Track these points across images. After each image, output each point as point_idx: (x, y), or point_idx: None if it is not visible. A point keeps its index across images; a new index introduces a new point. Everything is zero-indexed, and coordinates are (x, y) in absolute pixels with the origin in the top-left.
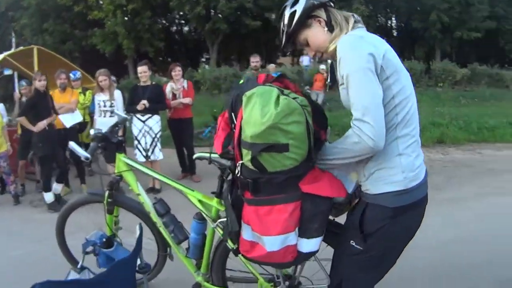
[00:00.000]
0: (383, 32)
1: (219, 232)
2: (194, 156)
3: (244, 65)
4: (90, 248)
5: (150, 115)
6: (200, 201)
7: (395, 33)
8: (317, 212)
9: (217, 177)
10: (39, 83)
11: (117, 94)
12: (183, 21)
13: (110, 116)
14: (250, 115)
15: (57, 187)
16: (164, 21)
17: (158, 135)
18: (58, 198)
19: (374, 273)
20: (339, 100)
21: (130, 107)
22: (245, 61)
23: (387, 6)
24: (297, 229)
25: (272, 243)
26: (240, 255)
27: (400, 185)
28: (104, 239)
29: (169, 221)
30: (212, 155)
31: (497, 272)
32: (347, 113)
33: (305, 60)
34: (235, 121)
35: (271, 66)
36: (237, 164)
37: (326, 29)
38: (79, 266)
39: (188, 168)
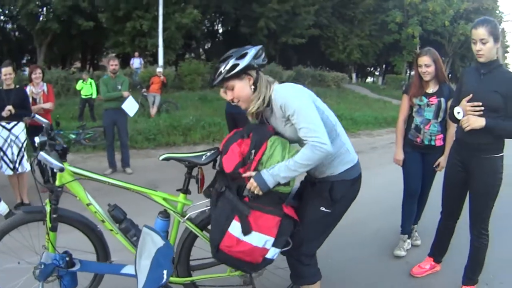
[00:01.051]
0: (209, 35)
1: (189, 226)
2: (162, 157)
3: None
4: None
5: (15, 122)
6: (165, 199)
7: (221, 37)
8: (289, 230)
9: (184, 174)
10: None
11: None
12: (7, 18)
13: None
14: (273, 154)
15: None
16: None
17: (24, 144)
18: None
19: (329, 231)
20: (174, 102)
21: None
22: (69, 63)
23: (215, 11)
24: (275, 237)
25: (258, 240)
26: None
27: (351, 162)
28: (66, 259)
29: (129, 225)
30: (181, 155)
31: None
32: (186, 114)
33: (135, 63)
34: (252, 156)
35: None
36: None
37: (252, 86)
38: None
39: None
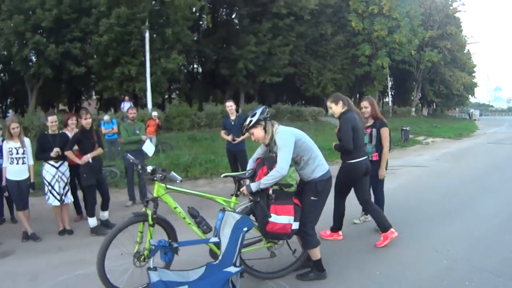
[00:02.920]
0: (190, 76)
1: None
2: (224, 175)
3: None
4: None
5: (61, 161)
6: (224, 200)
7: (200, 79)
8: (299, 210)
9: (234, 182)
10: (85, 121)
11: (27, 141)
12: None
13: (23, 163)
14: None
15: (103, 214)
16: None
17: (69, 180)
18: (106, 223)
19: (319, 213)
20: (169, 142)
21: (41, 154)
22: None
23: (196, 55)
24: (293, 216)
25: (285, 220)
26: None
27: (325, 169)
28: (168, 242)
29: (201, 219)
30: (233, 174)
31: None
32: (181, 153)
33: (125, 107)
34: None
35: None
36: (270, 191)
37: (263, 130)
38: (151, 266)
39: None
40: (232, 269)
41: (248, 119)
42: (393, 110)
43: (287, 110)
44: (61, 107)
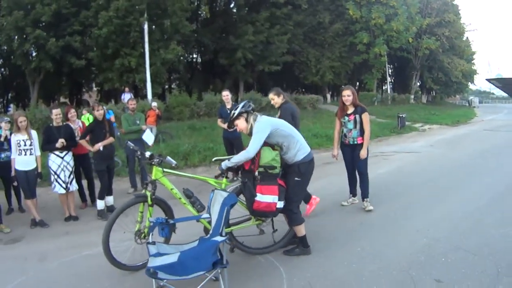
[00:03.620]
0: (189, 67)
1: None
2: (214, 159)
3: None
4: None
5: (66, 151)
6: (216, 182)
7: (200, 68)
8: (283, 191)
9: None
10: (97, 113)
11: (34, 133)
12: None
13: (31, 155)
14: (264, 154)
15: (108, 199)
16: None
17: (73, 169)
18: (111, 208)
19: (303, 193)
20: (169, 132)
21: (47, 145)
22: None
23: (195, 45)
24: (278, 196)
25: (270, 198)
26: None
27: (306, 152)
28: (165, 219)
29: (195, 199)
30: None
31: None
32: (181, 142)
33: (126, 98)
34: (256, 158)
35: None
36: (256, 172)
37: (246, 121)
38: (150, 241)
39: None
40: (219, 238)
41: (232, 112)
42: (392, 98)
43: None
44: (62, 100)
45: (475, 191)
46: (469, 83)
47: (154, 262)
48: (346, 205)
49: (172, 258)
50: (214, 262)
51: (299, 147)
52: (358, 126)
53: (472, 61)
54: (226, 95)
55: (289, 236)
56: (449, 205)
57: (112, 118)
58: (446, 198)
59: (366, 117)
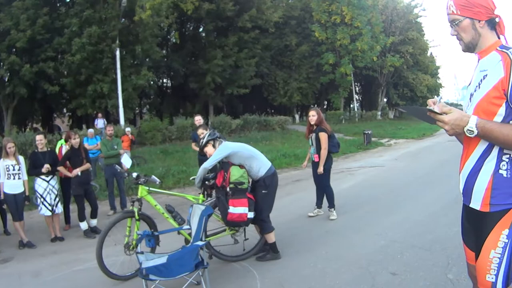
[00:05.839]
0: (160, 91)
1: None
2: (192, 178)
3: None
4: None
5: (51, 175)
6: (194, 198)
7: (170, 93)
8: (252, 203)
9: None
10: (74, 141)
11: (21, 159)
12: None
13: (19, 179)
14: (233, 173)
15: (92, 221)
16: None
17: (59, 192)
18: (94, 229)
19: (271, 203)
20: (142, 156)
21: (34, 170)
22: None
23: (166, 70)
24: (248, 207)
25: (241, 210)
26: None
27: (267, 167)
28: (150, 232)
29: (176, 214)
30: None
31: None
32: (154, 165)
33: (99, 123)
34: (226, 176)
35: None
36: (228, 188)
37: (212, 147)
38: (139, 251)
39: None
40: (199, 242)
41: (201, 141)
42: (360, 115)
43: (255, 120)
44: (34, 125)
45: (429, 198)
46: (435, 96)
47: (147, 264)
48: (312, 215)
49: (162, 259)
50: (196, 264)
51: (260, 165)
52: (314, 143)
53: (437, 75)
54: (199, 119)
55: (260, 244)
56: (406, 211)
57: (99, 145)
58: (404, 205)
59: (323, 136)
